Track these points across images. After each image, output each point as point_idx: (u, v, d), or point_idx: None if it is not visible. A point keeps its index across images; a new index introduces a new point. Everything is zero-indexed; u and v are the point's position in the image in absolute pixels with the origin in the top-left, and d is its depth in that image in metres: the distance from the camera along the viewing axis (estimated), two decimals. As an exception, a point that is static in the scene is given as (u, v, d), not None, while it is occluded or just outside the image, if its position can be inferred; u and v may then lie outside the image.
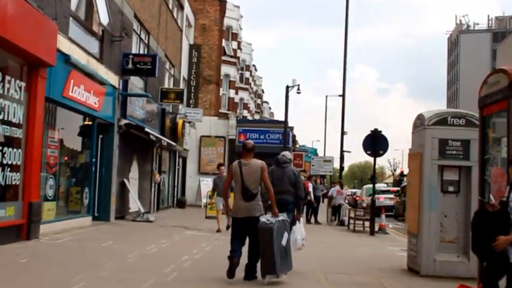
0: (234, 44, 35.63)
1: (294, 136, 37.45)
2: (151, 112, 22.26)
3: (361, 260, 11.61)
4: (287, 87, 31.43)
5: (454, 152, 9.65)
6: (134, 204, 19.07)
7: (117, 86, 17.01)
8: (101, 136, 16.43)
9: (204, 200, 26.20)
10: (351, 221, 20.63)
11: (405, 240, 17.92)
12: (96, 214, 16.36)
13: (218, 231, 15.34)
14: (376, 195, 38.01)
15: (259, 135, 32.12)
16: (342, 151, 28.88)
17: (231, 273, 7.62)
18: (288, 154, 9.77)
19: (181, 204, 28.52)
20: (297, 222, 8.92)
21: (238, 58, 36.81)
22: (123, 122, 17.38)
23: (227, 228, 14.43)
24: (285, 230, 7.89)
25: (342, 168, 29.76)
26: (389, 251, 13.94)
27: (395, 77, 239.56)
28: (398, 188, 37.79)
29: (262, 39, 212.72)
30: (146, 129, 18.29)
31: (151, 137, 18.71)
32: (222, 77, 33.81)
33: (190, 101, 30.21)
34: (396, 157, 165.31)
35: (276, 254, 7.57)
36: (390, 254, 13.12)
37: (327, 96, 54.64)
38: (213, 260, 10.14)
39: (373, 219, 18.73)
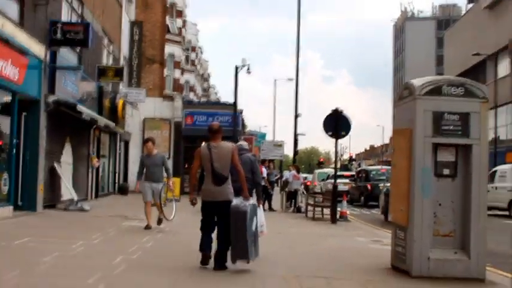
0: (179, 22, 33.28)
1: (243, 119, 35.53)
2: (88, 91, 19.97)
3: (334, 256, 9.91)
4: (236, 67, 29.54)
5: (451, 127, 7.95)
6: (67, 191, 16.81)
7: (43, 57, 14.68)
8: (24, 114, 14.14)
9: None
10: (310, 208, 18.99)
11: (370, 229, 16.55)
12: (19, 203, 14.13)
13: (147, 227, 12.10)
14: (329, 180, 37.01)
15: (207, 117, 30.08)
16: (295, 134, 27.22)
17: (205, 264, 7.67)
18: (245, 144, 9.52)
19: (123, 190, 26.22)
20: (257, 208, 8.27)
21: (183, 38, 34.53)
22: (51, 98, 15.08)
23: (158, 222, 12.43)
24: (254, 214, 7.69)
25: (296, 152, 28.11)
26: (359, 242, 12.28)
27: (340, 65, 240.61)
28: (353, 173, 36.65)
29: (204, 26, 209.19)
30: (78, 107, 15.97)
31: (84, 116, 16.34)
32: (166, 57, 31.48)
33: (132, 81, 27.91)
34: (343, 142, 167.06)
35: (249, 239, 7.44)
36: (362, 247, 11.45)
37: (275, 80, 52.96)
38: (156, 261, 8.20)
39: (335, 206, 17.11)
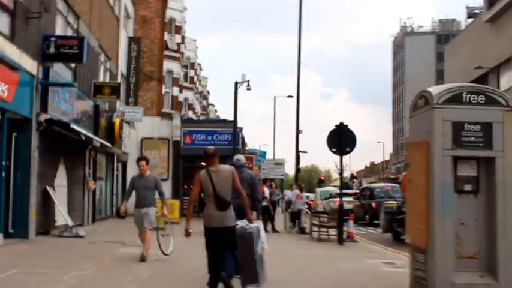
0: (178, 38, 32.74)
1: (243, 137, 34.84)
2: (83, 109, 19.28)
3: (346, 283, 9.16)
4: (236, 83, 28.81)
5: (472, 138, 7.29)
6: (61, 216, 16.06)
7: (35, 73, 14.05)
8: (14, 134, 13.45)
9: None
10: (314, 229, 18.24)
11: (379, 249, 15.80)
12: (10, 230, 13.34)
13: (142, 259, 10.64)
14: (331, 199, 36.25)
15: (206, 136, 29.41)
16: (297, 151, 26.52)
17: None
18: (242, 158, 9.41)
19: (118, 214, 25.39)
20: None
21: (182, 54, 33.97)
22: (44, 117, 14.40)
23: (142, 258, 10.68)
24: (258, 237, 7.43)
25: (298, 169, 27.39)
26: (371, 265, 11.53)
27: (338, 82, 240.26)
28: (357, 191, 35.90)
29: (204, 44, 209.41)
30: (72, 126, 15.29)
31: (80, 136, 15.64)
32: (164, 74, 30.90)
33: (130, 100, 27.27)
34: (343, 159, 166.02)
35: (257, 263, 7.25)
36: (375, 271, 10.71)
37: (275, 97, 52.29)
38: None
39: (341, 226, 16.36)
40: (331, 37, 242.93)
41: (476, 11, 74.47)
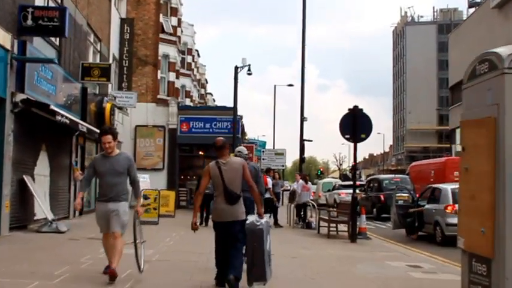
0: (174, 21, 30.84)
1: (243, 126, 33.11)
2: (69, 92, 17.57)
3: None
4: (236, 67, 27.12)
5: (552, 113, 5.57)
6: (41, 209, 14.35)
7: (9, 47, 12.30)
8: (-16, 116, 11.75)
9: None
10: (322, 224, 16.59)
11: (397, 248, 14.12)
12: (-20, 225, 11.67)
13: (111, 277, 7.21)
14: (335, 191, 34.62)
15: (204, 123, 27.71)
16: (302, 139, 24.79)
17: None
18: (244, 150, 9.02)
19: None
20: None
21: (179, 38, 32.08)
22: (20, 97, 12.66)
23: (111, 278, 7.21)
24: (268, 232, 7.21)
25: (303, 159, 25.62)
26: (395, 269, 9.84)
27: (336, 74, 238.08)
28: (363, 182, 34.29)
29: (201, 33, 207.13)
30: (52, 108, 13.53)
31: (59, 118, 13.78)
32: (160, 58, 29.01)
33: (123, 85, 25.49)
34: (342, 151, 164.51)
35: (266, 259, 7.04)
36: (405, 277, 9.03)
37: (275, 86, 50.37)
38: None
39: (355, 221, 14.68)
40: (329, 28, 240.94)
41: (478, 0, 72.89)
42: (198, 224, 7.29)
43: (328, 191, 35.41)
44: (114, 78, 25.24)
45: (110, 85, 23.42)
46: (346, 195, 30.24)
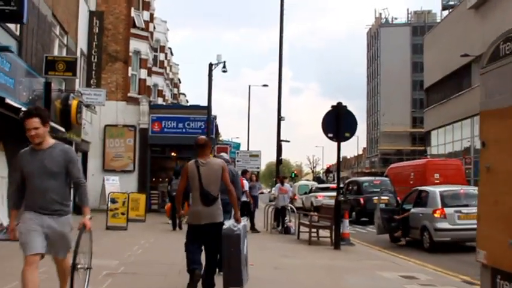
0: (146, 15, 29.53)
1: (217, 126, 32.00)
2: (31, 87, 16.27)
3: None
4: (210, 64, 26.06)
5: None
6: (-3, 214, 13.05)
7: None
8: None
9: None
10: (303, 229, 15.62)
11: (384, 255, 13.18)
12: None
13: None
14: (311, 194, 33.66)
15: (177, 123, 26.53)
16: (279, 140, 23.81)
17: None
18: (225, 154, 9.54)
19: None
20: None
21: (151, 34, 30.81)
22: (-30, 89, 11.40)
23: None
24: (245, 237, 7.05)
25: (279, 160, 24.63)
26: (390, 281, 8.90)
27: (309, 76, 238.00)
28: (341, 185, 33.43)
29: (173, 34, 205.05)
30: (8, 101, 12.29)
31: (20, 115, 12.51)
32: (131, 54, 27.71)
33: (92, 81, 24.17)
34: (315, 153, 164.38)
35: (242, 264, 6.85)
36: (401, 292, 8.07)
37: (250, 86, 49.25)
38: None
39: (339, 227, 13.70)
40: (302, 30, 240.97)
41: (452, 3, 73.03)
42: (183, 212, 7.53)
43: (305, 193, 34.45)
44: (82, 74, 23.96)
45: (77, 81, 22.16)
46: (323, 198, 29.36)
